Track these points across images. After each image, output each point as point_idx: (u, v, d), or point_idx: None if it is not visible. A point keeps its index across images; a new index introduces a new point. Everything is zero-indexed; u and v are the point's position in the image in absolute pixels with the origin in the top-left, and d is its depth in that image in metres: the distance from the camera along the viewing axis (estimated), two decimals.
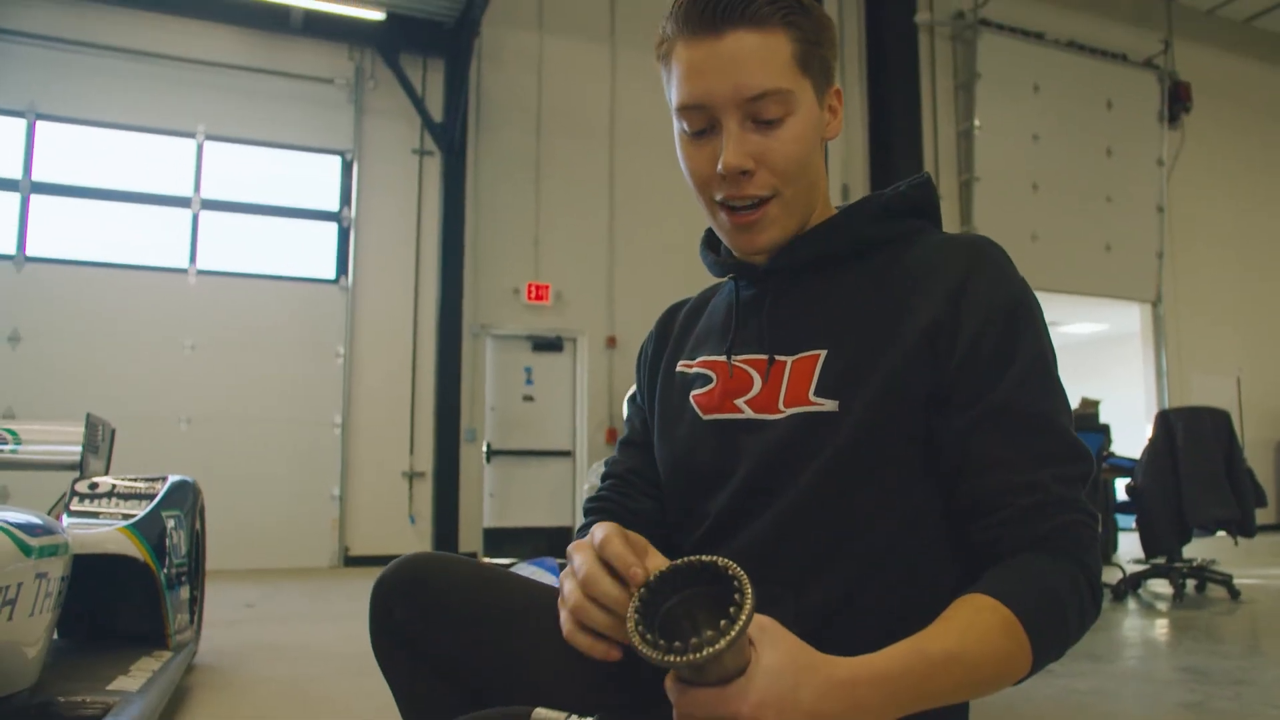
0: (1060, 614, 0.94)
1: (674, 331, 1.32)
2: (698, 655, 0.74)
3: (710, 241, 1.27)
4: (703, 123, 1.08)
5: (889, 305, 1.07)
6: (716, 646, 0.74)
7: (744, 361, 1.15)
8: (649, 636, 0.77)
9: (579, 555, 0.96)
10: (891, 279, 1.09)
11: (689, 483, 1.18)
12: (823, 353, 1.07)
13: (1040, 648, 0.92)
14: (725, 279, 1.25)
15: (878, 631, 0.93)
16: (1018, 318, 1.04)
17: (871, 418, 1.02)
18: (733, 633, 0.74)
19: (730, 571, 0.79)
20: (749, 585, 0.77)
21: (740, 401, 1.13)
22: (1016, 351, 1.02)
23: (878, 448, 1.03)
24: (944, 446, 1.03)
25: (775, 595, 1.04)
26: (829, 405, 1.04)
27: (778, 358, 1.11)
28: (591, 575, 0.95)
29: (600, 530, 0.95)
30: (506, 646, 1.13)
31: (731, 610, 0.75)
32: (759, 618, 0.82)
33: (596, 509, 1.27)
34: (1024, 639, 0.90)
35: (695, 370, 1.21)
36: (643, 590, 0.82)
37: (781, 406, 1.08)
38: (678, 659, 0.75)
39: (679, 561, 0.83)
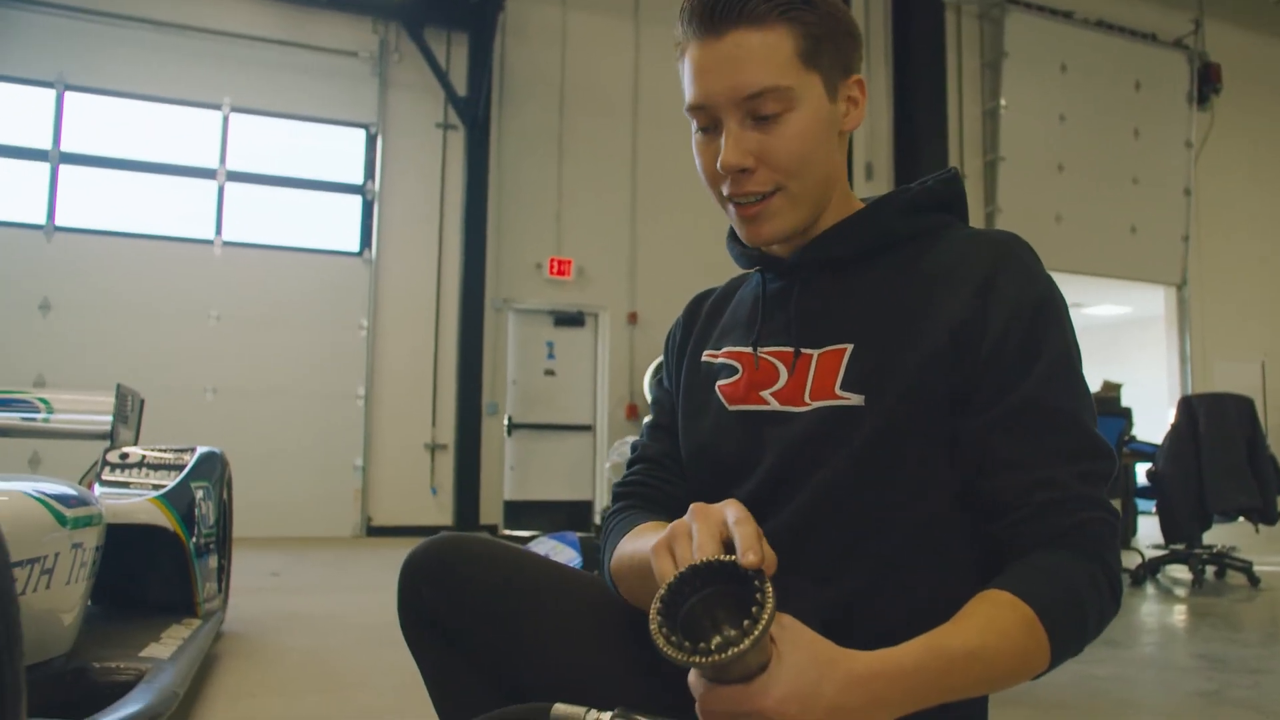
0: (1079, 611, 0.95)
1: (700, 319, 1.32)
2: (722, 656, 0.75)
3: (736, 233, 1.28)
4: (707, 121, 1.09)
5: (915, 301, 1.08)
6: (740, 647, 0.75)
7: (770, 353, 1.15)
8: (673, 638, 0.79)
9: (700, 524, 0.90)
10: (918, 274, 1.10)
11: (713, 472, 1.19)
12: (849, 347, 1.08)
13: (1058, 644, 0.93)
14: (752, 271, 1.27)
15: (899, 625, 0.94)
16: (1043, 315, 1.04)
17: (897, 413, 1.03)
18: (755, 633, 0.76)
19: (751, 571, 0.80)
20: (770, 585, 0.79)
21: (766, 393, 1.13)
22: (1041, 349, 1.02)
23: (903, 443, 1.04)
24: (966, 443, 1.03)
25: (797, 587, 1.05)
26: (855, 399, 1.05)
27: (804, 350, 1.12)
28: (705, 551, 0.89)
29: (735, 509, 0.91)
30: (532, 631, 1.15)
31: (754, 610, 0.77)
32: (779, 615, 0.83)
33: (630, 493, 1.27)
34: (1042, 636, 0.92)
35: (721, 360, 1.22)
36: (664, 591, 0.83)
37: (807, 399, 1.09)
38: (702, 659, 0.76)
39: (699, 562, 0.84)
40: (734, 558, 0.82)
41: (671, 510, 1.23)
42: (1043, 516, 0.98)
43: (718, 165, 1.08)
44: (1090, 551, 0.97)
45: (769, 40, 1.05)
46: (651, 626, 0.80)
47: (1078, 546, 0.97)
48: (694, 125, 1.12)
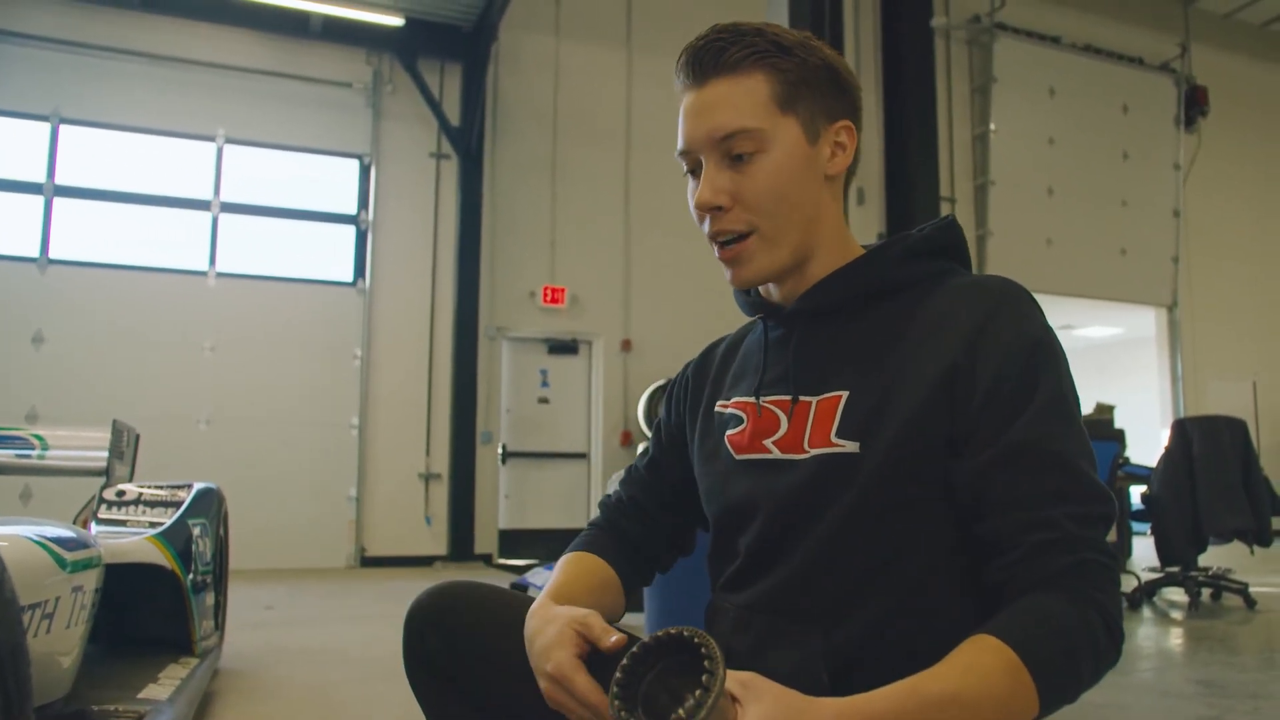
0: (1068, 655, 0.92)
1: (711, 371, 1.35)
2: None
3: None
4: (692, 164, 1.16)
5: (910, 347, 1.09)
6: (700, 716, 0.77)
7: (771, 402, 1.17)
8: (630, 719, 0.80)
9: (551, 636, 1.05)
10: (914, 321, 1.11)
11: (724, 521, 1.22)
12: (844, 394, 1.10)
13: (1047, 690, 0.91)
14: (756, 319, 1.29)
15: (906, 672, 0.95)
16: (1036, 359, 1.04)
17: (892, 460, 1.04)
18: (709, 700, 0.77)
19: (697, 639, 0.82)
20: (718, 649, 0.80)
21: (768, 442, 1.15)
22: (1035, 393, 1.03)
23: (899, 489, 1.05)
24: (961, 487, 1.04)
25: (804, 635, 1.07)
26: (850, 447, 1.07)
27: (802, 398, 1.14)
28: (565, 674, 1.01)
29: (574, 612, 1.05)
30: (535, 680, 1.17)
31: (704, 678, 0.78)
32: (741, 674, 0.85)
33: (595, 523, 1.38)
34: (1027, 680, 0.90)
35: (730, 410, 1.24)
36: (619, 674, 0.84)
37: (806, 447, 1.10)
38: None
39: (648, 639, 0.86)
40: (681, 629, 0.84)
41: (625, 541, 1.33)
42: (1035, 558, 0.97)
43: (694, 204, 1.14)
44: (1084, 594, 0.95)
45: (745, 86, 1.11)
46: (610, 711, 0.82)
47: (1071, 589, 0.95)
48: (684, 170, 1.18)
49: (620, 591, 1.28)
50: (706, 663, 0.79)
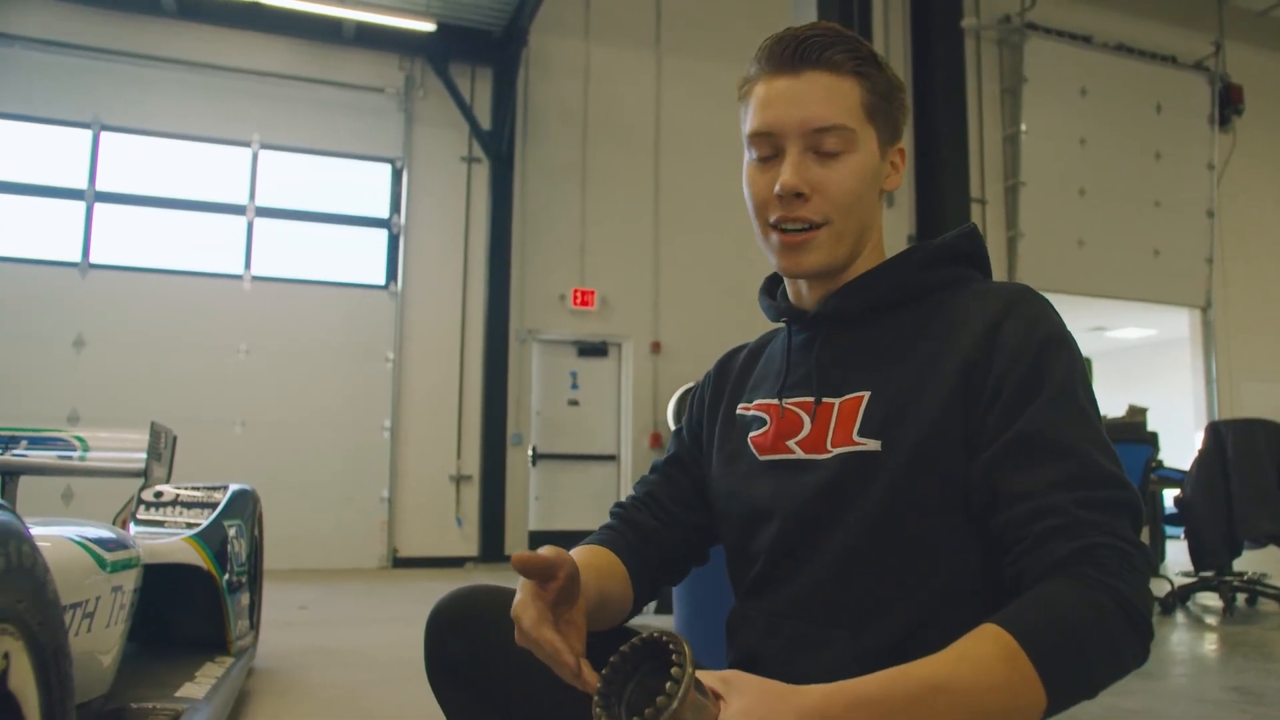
0: (1075, 642, 0.88)
1: (732, 375, 1.37)
2: (658, 717, 0.78)
3: (768, 288, 1.33)
4: (769, 149, 1.15)
5: (930, 349, 1.11)
6: (671, 707, 0.78)
7: (794, 404, 1.19)
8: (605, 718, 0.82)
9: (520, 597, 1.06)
10: (934, 324, 1.13)
11: (742, 522, 1.23)
12: (866, 394, 1.12)
13: (1052, 679, 0.86)
14: (781, 324, 1.31)
15: None
16: (1045, 354, 1.05)
17: (914, 458, 1.06)
18: (679, 691, 0.78)
19: (665, 638, 0.83)
20: (686, 645, 0.81)
21: (791, 442, 1.17)
22: (1042, 385, 1.03)
23: (922, 488, 1.06)
24: (974, 487, 1.04)
25: (834, 639, 1.09)
26: (873, 445, 1.08)
27: (825, 399, 1.16)
28: (529, 628, 1.04)
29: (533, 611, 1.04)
30: (559, 683, 1.19)
31: (674, 671, 0.80)
32: (723, 671, 0.86)
33: (616, 514, 1.38)
34: (1027, 668, 0.86)
35: (752, 413, 1.26)
36: (600, 684, 0.86)
37: (829, 446, 1.12)
38: None
39: (624, 647, 0.86)
40: (653, 633, 0.85)
41: (638, 535, 1.33)
42: (1041, 545, 0.96)
43: (776, 188, 1.13)
44: (1095, 580, 0.91)
45: (841, 86, 1.13)
46: (593, 716, 0.83)
47: (1081, 574, 0.92)
48: (750, 154, 1.18)
49: (627, 583, 1.27)
50: (675, 656, 0.80)
